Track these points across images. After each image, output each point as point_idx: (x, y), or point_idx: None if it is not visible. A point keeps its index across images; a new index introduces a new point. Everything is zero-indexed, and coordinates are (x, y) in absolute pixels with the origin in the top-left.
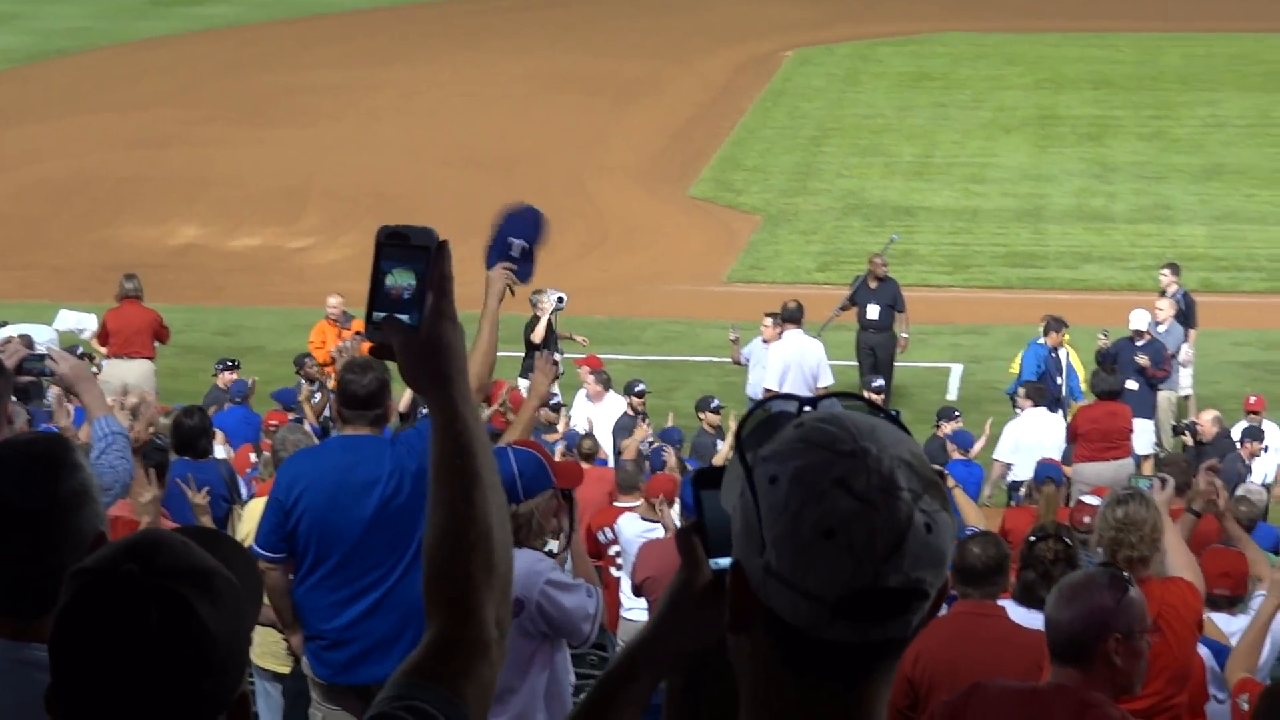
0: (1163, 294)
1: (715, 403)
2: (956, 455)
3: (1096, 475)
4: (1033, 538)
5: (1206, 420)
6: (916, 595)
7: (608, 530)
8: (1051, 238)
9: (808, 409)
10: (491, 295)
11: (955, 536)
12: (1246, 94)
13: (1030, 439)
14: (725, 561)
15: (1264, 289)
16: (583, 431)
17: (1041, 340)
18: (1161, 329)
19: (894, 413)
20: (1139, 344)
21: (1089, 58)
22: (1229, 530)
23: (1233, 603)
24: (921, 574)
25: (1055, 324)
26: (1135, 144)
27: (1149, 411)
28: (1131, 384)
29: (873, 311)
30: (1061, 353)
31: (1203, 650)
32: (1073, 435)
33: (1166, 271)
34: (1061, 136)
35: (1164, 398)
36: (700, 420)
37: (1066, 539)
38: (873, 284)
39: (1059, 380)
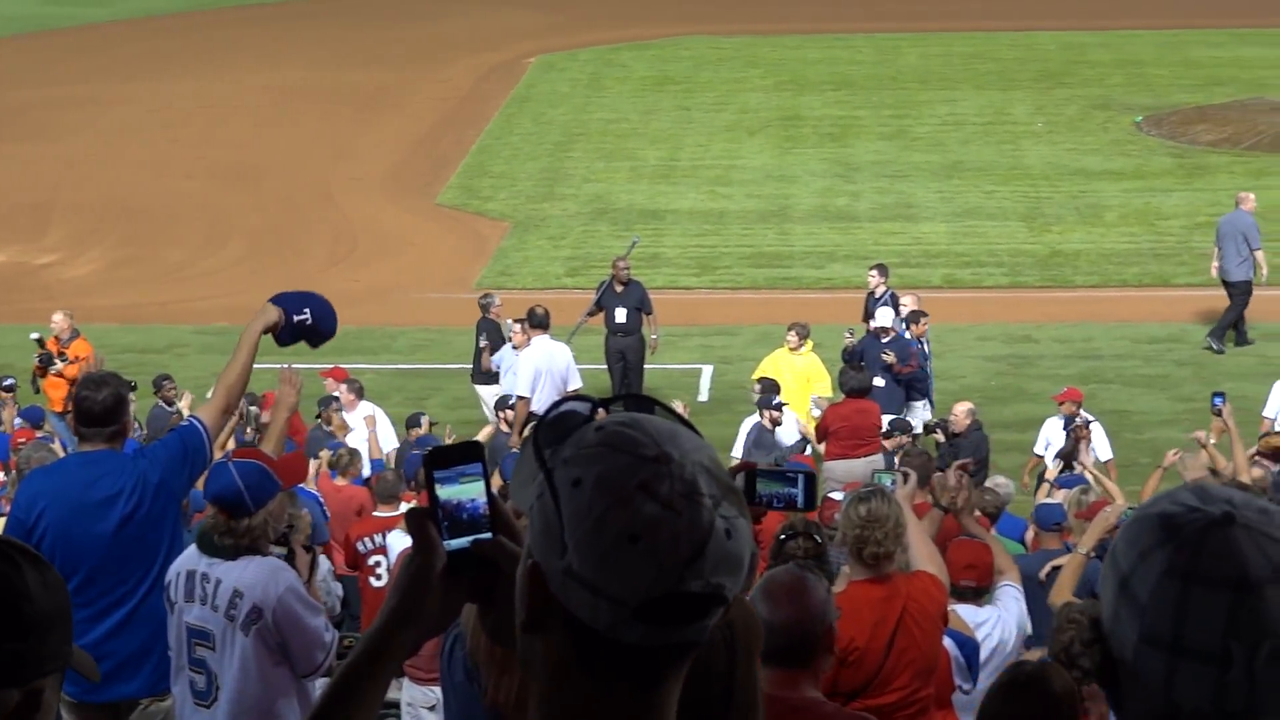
0: (871, 295)
1: (513, 399)
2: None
3: (848, 472)
4: (783, 535)
5: (960, 412)
6: (716, 600)
7: (369, 540)
8: (797, 238)
9: (600, 410)
10: (259, 320)
11: (750, 542)
12: (982, 92)
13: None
14: (459, 543)
15: (1005, 284)
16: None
17: (908, 334)
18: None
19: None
20: (885, 341)
21: (829, 59)
22: (966, 526)
23: (979, 594)
24: (721, 579)
25: (915, 316)
26: (877, 143)
27: (896, 407)
28: (879, 380)
29: (620, 315)
30: (925, 341)
31: (948, 642)
32: (823, 433)
33: (874, 273)
34: (804, 137)
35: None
36: (500, 417)
37: (816, 536)
38: (618, 288)
39: (927, 366)
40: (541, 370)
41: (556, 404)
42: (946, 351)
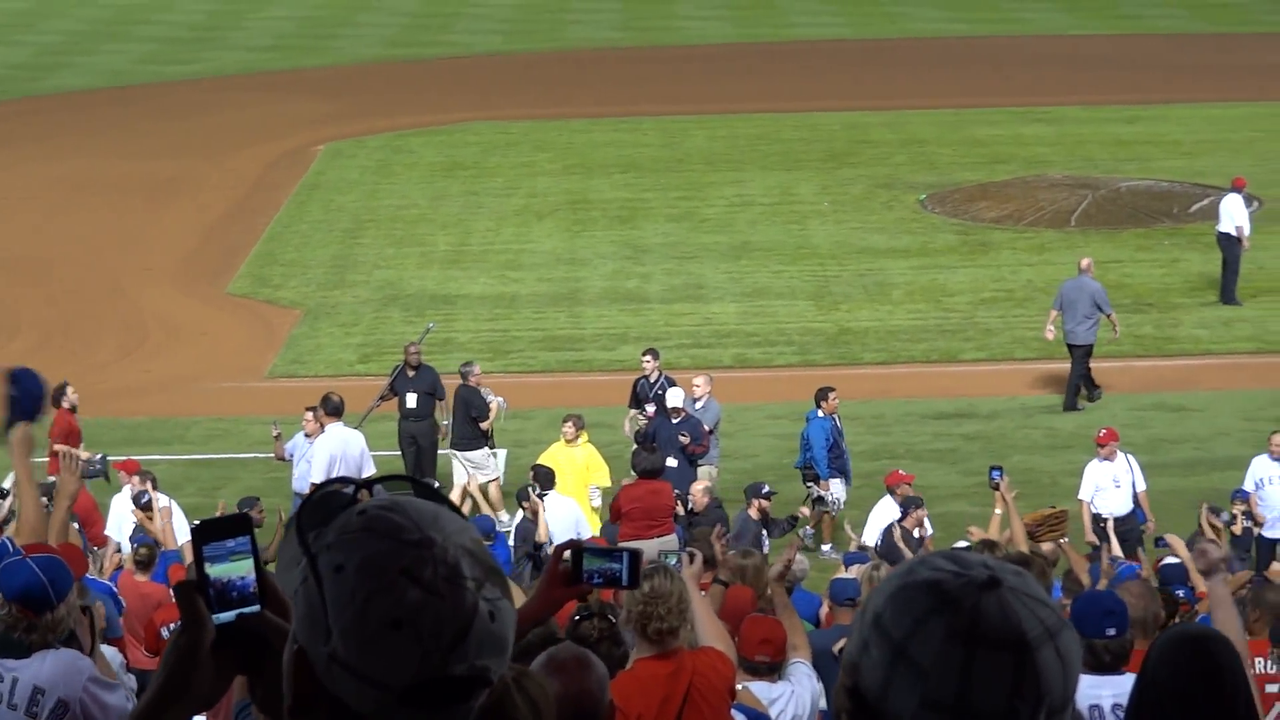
0: (645, 380)
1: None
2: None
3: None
4: (577, 616)
5: (698, 491)
6: (480, 682)
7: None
8: (588, 320)
9: (364, 492)
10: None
11: (513, 623)
12: (769, 173)
13: None
14: (227, 616)
15: (795, 362)
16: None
17: (820, 413)
18: (699, 406)
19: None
20: (676, 421)
21: (617, 142)
22: (775, 599)
23: (772, 669)
24: (486, 662)
25: (823, 393)
26: (665, 225)
27: (687, 487)
28: (672, 461)
29: (411, 400)
30: (837, 419)
31: (739, 718)
32: (616, 514)
33: (648, 358)
34: (594, 220)
35: (704, 471)
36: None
37: (611, 616)
38: (410, 373)
39: (843, 445)
40: (336, 457)
41: (319, 486)
42: (738, 430)
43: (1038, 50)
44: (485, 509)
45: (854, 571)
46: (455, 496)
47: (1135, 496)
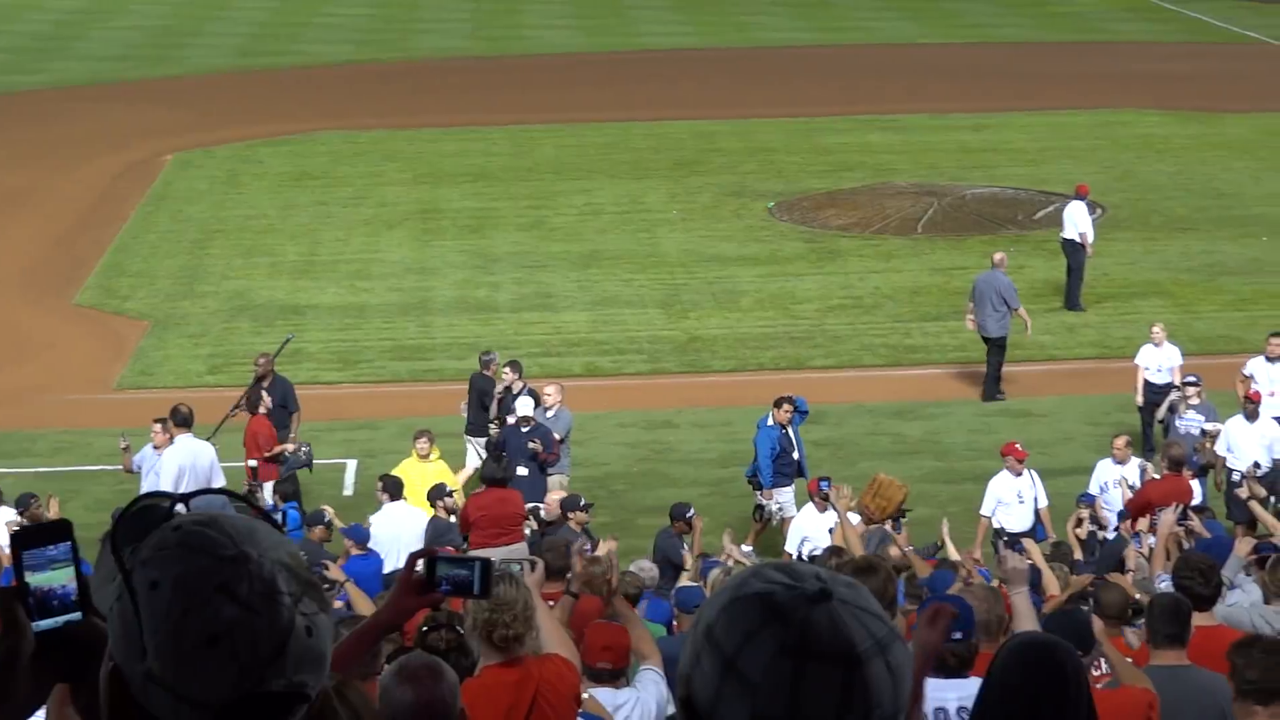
0: (508, 390)
1: (449, 489)
2: (354, 551)
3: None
4: (425, 627)
5: (552, 502)
6: (299, 698)
7: None
8: (438, 330)
9: (180, 507)
10: None
11: (332, 636)
12: (617, 181)
13: None
14: (48, 624)
15: (645, 370)
16: None
17: (770, 421)
18: (550, 414)
19: None
20: (526, 430)
21: (466, 151)
22: (617, 608)
23: (615, 676)
24: (304, 677)
25: (777, 403)
26: (515, 234)
27: (540, 496)
28: (522, 470)
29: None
30: (790, 429)
31: None
32: (465, 524)
33: (508, 370)
34: (443, 230)
35: (555, 481)
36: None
37: (458, 627)
38: (265, 383)
39: (794, 456)
40: (185, 468)
41: (134, 500)
42: (588, 439)
43: (884, 59)
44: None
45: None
46: (463, 479)
47: (1037, 512)
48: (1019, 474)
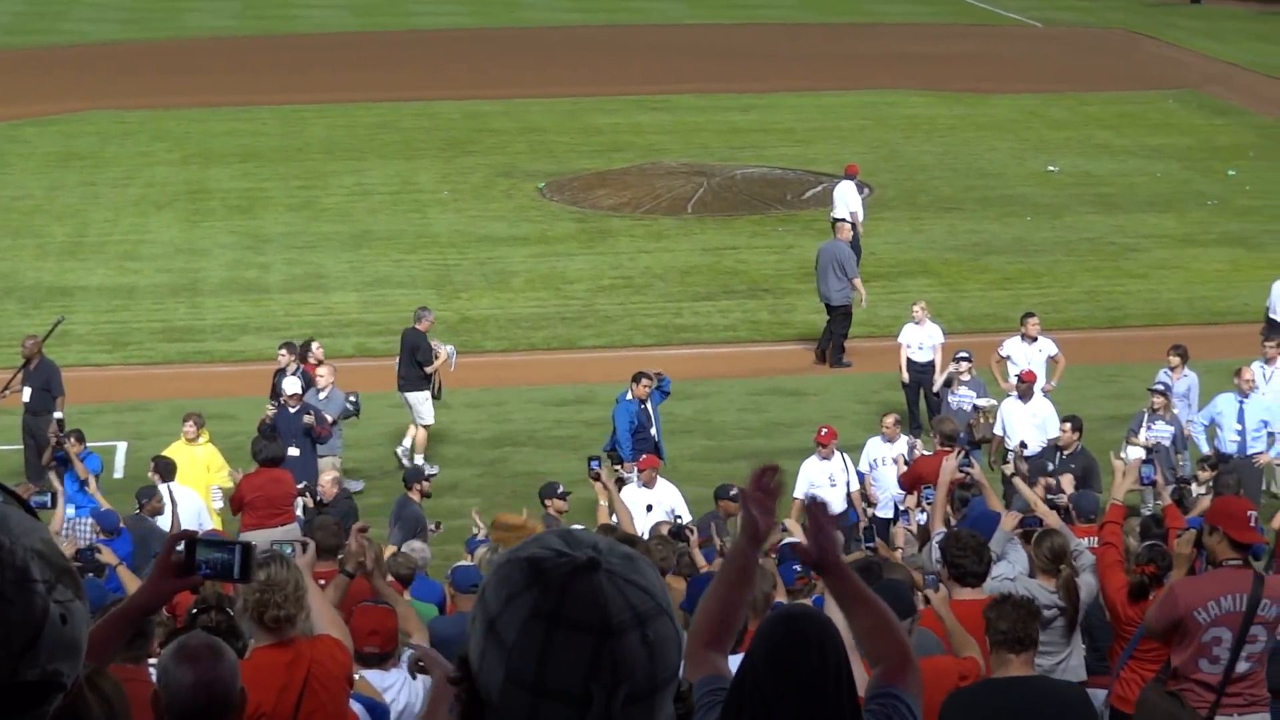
0: (281, 371)
1: (426, 471)
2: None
3: (266, 541)
4: (194, 609)
5: (326, 482)
6: (54, 687)
7: None
8: (208, 311)
9: None
10: None
11: (87, 623)
12: (388, 162)
13: None
14: None
15: None
16: None
17: (629, 396)
18: (322, 396)
19: None
20: (295, 410)
21: (235, 131)
22: (379, 590)
23: (383, 658)
24: (59, 666)
25: (635, 377)
26: (285, 215)
27: (311, 476)
28: (293, 450)
29: (27, 394)
30: (649, 404)
31: (357, 707)
32: (238, 504)
33: (284, 351)
34: (213, 210)
35: (328, 462)
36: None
37: (228, 609)
38: (31, 366)
39: (651, 432)
40: None
41: None
42: (361, 420)
43: (654, 40)
44: (419, 457)
45: (477, 556)
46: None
47: (849, 496)
48: (828, 457)
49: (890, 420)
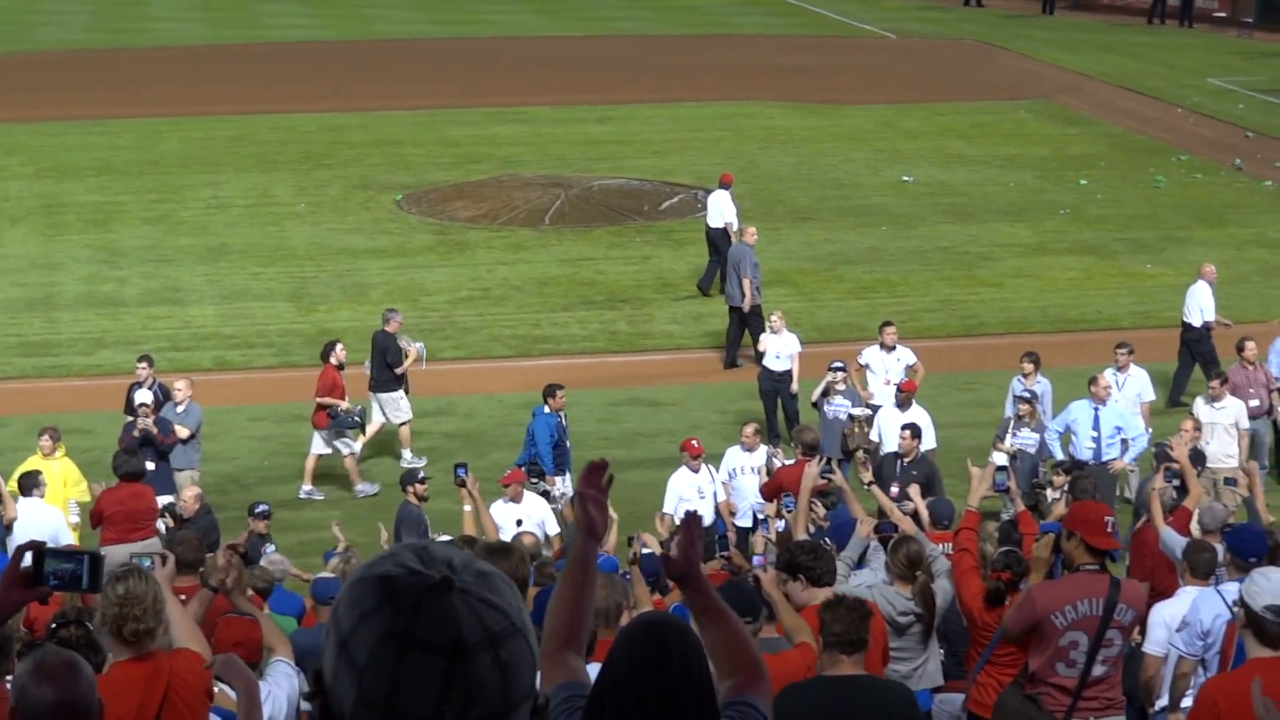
0: (137, 384)
1: (420, 474)
2: None
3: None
4: (54, 624)
5: (189, 498)
6: None
7: None
8: (64, 325)
9: None
10: None
11: None
12: (245, 174)
13: None
14: None
15: (275, 364)
16: None
17: (546, 409)
18: (180, 409)
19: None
20: (142, 420)
21: (90, 145)
22: (238, 605)
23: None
24: None
25: (551, 390)
26: (141, 228)
27: (167, 488)
28: (150, 464)
29: None
30: (563, 417)
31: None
32: (97, 519)
33: (143, 365)
34: (68, 224)
35: (185, 477)
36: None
37: (87, 623)
38: None
39: (567, 443)
40: None
41: None
42: (219, 434)
43: (510, 51)
44: (406, 451)
45: (330, 565)
46: (370, 432)
47: (716, 507)
48: (697, 470)
49: (750, 430)
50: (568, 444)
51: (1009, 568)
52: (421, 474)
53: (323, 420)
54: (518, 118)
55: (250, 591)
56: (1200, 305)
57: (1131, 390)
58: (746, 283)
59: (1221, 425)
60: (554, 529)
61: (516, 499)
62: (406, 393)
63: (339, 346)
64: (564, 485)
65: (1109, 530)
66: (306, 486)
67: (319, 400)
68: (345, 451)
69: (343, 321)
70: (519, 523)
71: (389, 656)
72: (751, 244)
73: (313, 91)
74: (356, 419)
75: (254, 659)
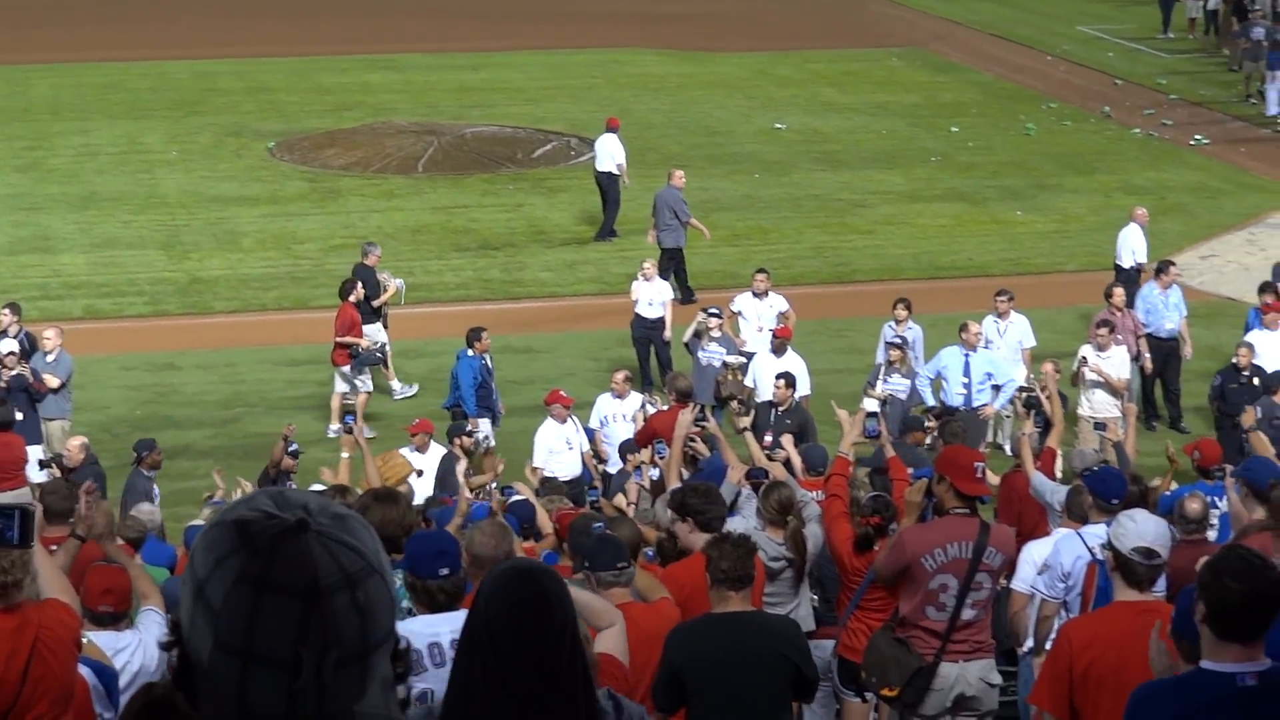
0: (3, 333)
1: (467, 426)
2: None
3: None
4: None
5: (74, 447)
6: None
7: None
8: None
9: None
10: None
11: None
12: (115, 122)
13: None
14: None
15: (146, 312)
16: None
17: (470, 352)
18: (50, 359)
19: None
20: (15, 372)
21: None
22: (110, 553)
23: (116, 619)
24: None
25: (475, 333)
26: (10, 176)
27: (36, 438)
28: (19, 414)
29: None
30: (489, 360)
31: (85, 671)
32: None
33: (7, 311)
34: None
35: (57, 427)
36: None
37: None
38: None
39: (492, 384)
40: None
41: None
42: (90, 383)
43: None
44: (394, 378)
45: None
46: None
47: (582, 457)
48: (564, 421)
49: (620, 377)
50: (493, 386)
51: (877, 512)
52: (468, 426)
53: (343, 358)
54: (391, 65)
55: (120, 541)
56: (1133, 247)
57: (1013, 337)
58: (695, 222)
59: (1111, 372)
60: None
61: (422, 449)
62: (385, 326)
63: (360, 285)
64: (487, 428)
65: (978, 475)
66: (334, 426)
67: (339, 339)
68: (362, 389)
69: (215, 270)
70: (420, 473)
71: (245, 599)
72: (679, 187)
73: (184, 38)
74: (378, 355)
75: (123, 607)
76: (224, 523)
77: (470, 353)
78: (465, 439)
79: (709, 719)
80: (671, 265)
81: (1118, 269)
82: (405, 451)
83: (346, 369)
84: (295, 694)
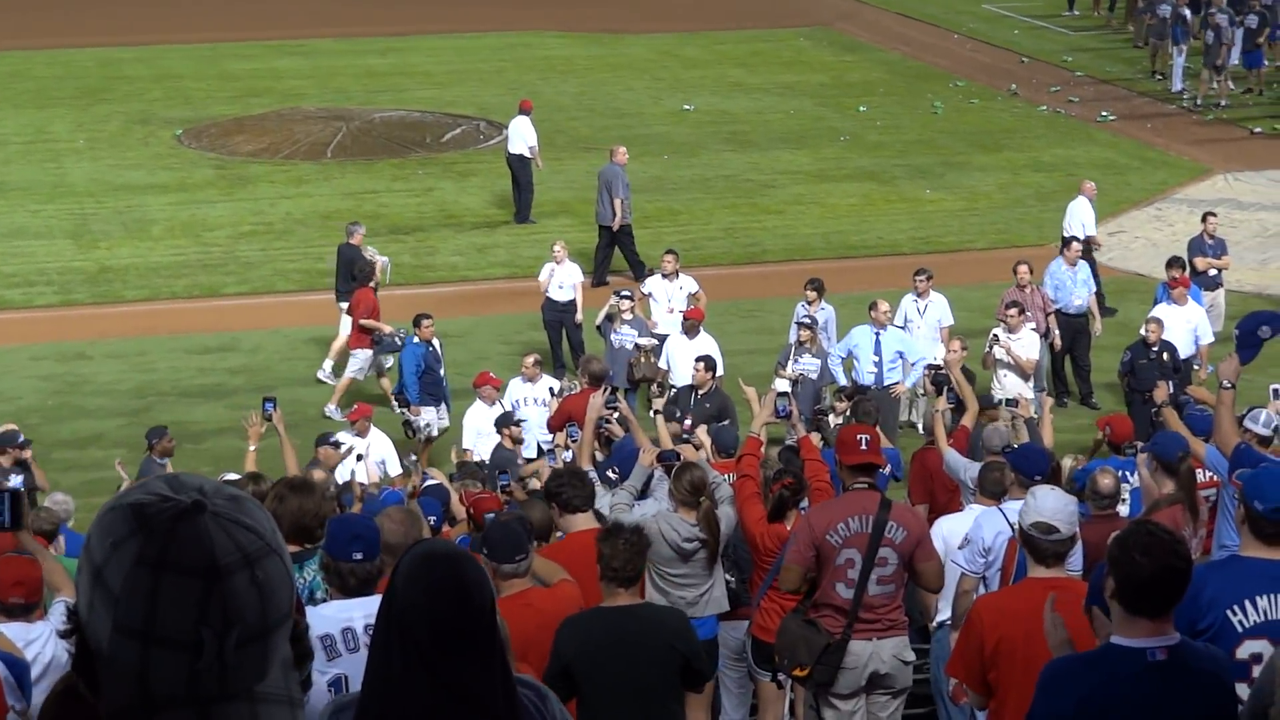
0: None
1: (516, 417)
2: None
3: None
4: None
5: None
6: None
7: None
8: None
9: None
10: None
11: None
12: (21, 111)
13: None
14: None
15: (56, 302)
16: None
17: (415, 339)
18: None
19: None
20: None
21: None
22: (22, 542)
23: (28, 610)
24: None
25: (419, 319)
26: None
27: None
28: None
29: None
30: (437, 346)
31: None
32: None
33: None
34: None
35: None
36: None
37: None
38: None
39: (440, 371)
40: None
41: None
42: (0, 373)
43: None
44: (328, 362)
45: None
46: (335, 348)
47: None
48: (493, 403)
49: (529, 361)
50: (441, 372)
51: (787, 473)
52: (517, 416)
53: (364, 342)
54: (298, 50)
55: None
56: (1082, 220)
57: (932, 316)
58: (618, 202)
59: (1021, 353)
60: (395, 469)
61: (363, 434)
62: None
63: (379, 269)
64: (430, 415)
65: (862, 446)
66: (331, 406)
67: (362, 322)
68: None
69: (124, 258)
70: (359, 457)
71: (145, 581)
72: (622, 164)
73: (90, 25)
74: (399, 340)
75: (33, 598)
76: (120, 506)
77: (415, 339)
78: (515, 429)
79: (598, 709)
80: (629, 241)
81: (1065, 242)
82: (345, 435)
83: (367, 353)
84: (197, 675)
